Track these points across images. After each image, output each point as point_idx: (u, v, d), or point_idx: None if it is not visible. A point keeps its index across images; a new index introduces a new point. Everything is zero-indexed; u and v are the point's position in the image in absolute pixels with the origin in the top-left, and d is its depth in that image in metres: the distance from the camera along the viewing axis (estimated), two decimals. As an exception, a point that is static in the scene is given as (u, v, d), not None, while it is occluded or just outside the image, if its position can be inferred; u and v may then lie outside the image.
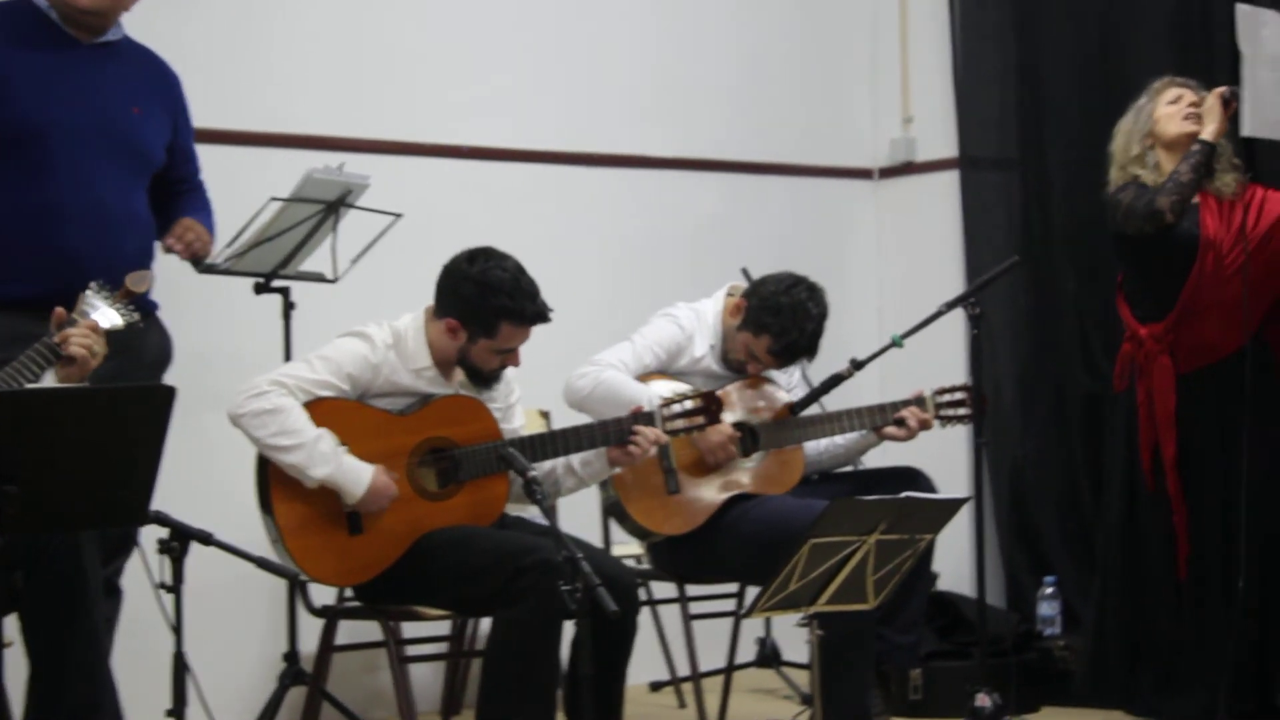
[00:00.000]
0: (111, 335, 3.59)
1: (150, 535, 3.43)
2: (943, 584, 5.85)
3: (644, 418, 4.31)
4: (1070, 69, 6.26)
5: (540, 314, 4.18)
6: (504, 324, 4.16)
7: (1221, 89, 4.58)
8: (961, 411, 4.85)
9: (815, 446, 4.90)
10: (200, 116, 4.60)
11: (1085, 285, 6.16)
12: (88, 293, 3.62)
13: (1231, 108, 4.59)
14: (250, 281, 4.82)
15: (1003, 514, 6.29)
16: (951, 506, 3.84)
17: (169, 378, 4.37)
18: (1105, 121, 5.15)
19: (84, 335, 3.49)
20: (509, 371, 4.33)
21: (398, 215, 4.82)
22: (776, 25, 6.67)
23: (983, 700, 4.68)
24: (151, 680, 3.81)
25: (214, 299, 5.03)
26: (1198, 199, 4.69)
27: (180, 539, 3.36)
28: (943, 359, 5.75)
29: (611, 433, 4.26)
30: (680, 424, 4.36)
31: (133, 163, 4.26)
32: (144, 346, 4.24)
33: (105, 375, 3.62)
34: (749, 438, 4.77)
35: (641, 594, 4.31)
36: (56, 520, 3.23)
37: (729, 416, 4.66)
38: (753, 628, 5.77)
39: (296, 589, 4.70)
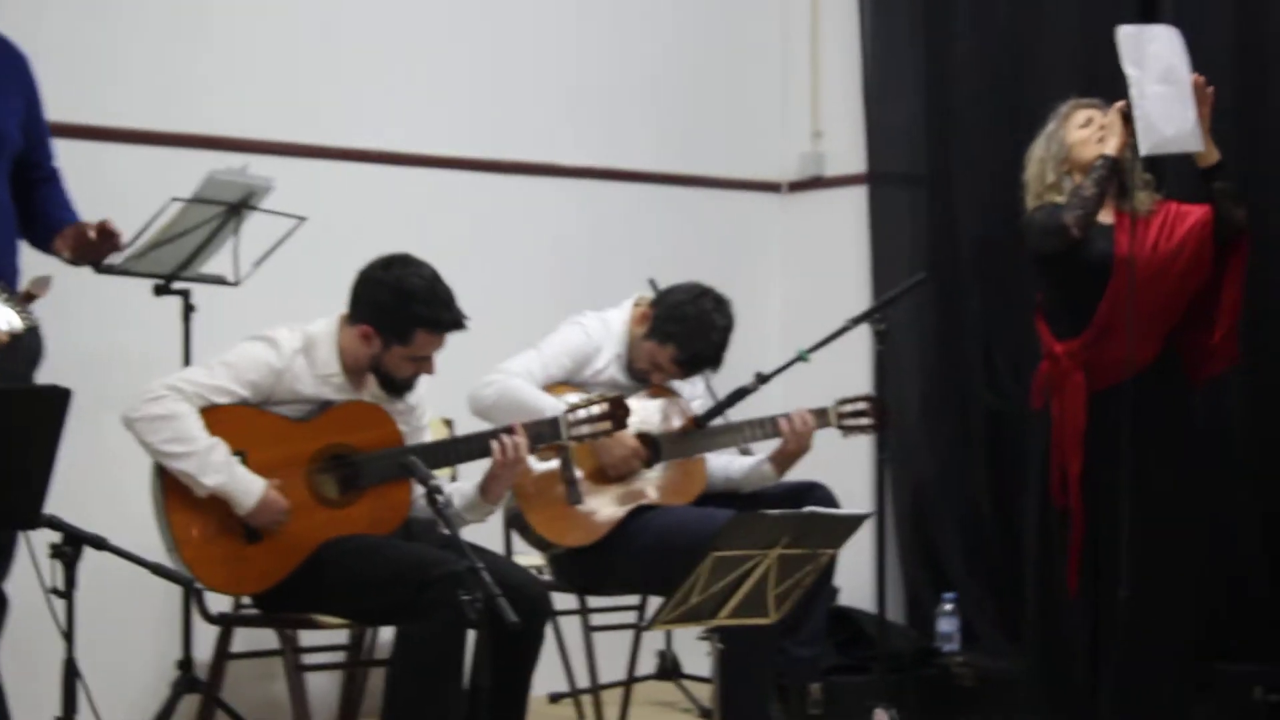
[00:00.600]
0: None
1: (42, 540, 3.39)
2: (844, 598, 5.87)
3: (546, 425, 4.31)
4: (979, 84, 6.28)
5: (456, 322, 4.17)
6: (419, 332, 4.15)
7: (1120, 103, 4.63)
8: (864, 422, 4.88)
9: (711, 479, 4.91)
10: (101, 115, 4.55)
11: (991, 303, 6.20)
12: None
13: (1130, 124, 4.63)
14: (150, 283, 4.77)
15: (904, 530, 6.33)
16: (854, 522, 3.86)
17: (66, 377, 4.28)
18: (1014, 138, 5.16)
19: None
20: (422, 391, 4.32)
21: (301, 219, 4.80)
22: (687, 36, 6.69)
23: (881, 716, 4.70)
24: (42, 687, 3.76)
25: (113, 299, 4.98)
26: (1112, 219, 4.74)
27: (73, 543, 3.32)
28: (848, 374, 5.76)
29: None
30: (586, 429, 4.36)
31: None
32: (18, 343, 4.17)
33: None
34: (651, 448, 4.78)
35: (543, 605, 4.31)
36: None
37: (632, 426, 4.66)
38: (653, 640, 5.77)
39: (191, 596, 4.66)
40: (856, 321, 4.85)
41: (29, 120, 4.24)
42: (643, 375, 4.82)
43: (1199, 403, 4.93)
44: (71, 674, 3.32)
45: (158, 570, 3.50)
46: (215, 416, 4.05)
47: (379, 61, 5.86)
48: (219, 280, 4.82)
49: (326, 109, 5.71)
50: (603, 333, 4.84)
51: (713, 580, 3.67)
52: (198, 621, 4.57)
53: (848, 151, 6.70)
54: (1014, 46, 6.19)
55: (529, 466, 4.56)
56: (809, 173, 6.85)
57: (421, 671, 3.88)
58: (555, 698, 5.76)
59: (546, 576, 4.96)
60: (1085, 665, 4.78)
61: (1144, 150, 4.51)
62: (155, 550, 3.88)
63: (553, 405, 4.50)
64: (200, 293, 4.86)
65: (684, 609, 3.67)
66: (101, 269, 4.47)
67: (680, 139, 6.64)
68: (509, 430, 4.25)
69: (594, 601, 5.04)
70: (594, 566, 4.72)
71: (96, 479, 4.74)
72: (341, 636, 5.00)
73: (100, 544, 3.35)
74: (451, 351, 4.37)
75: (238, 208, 4.67)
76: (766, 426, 4.83)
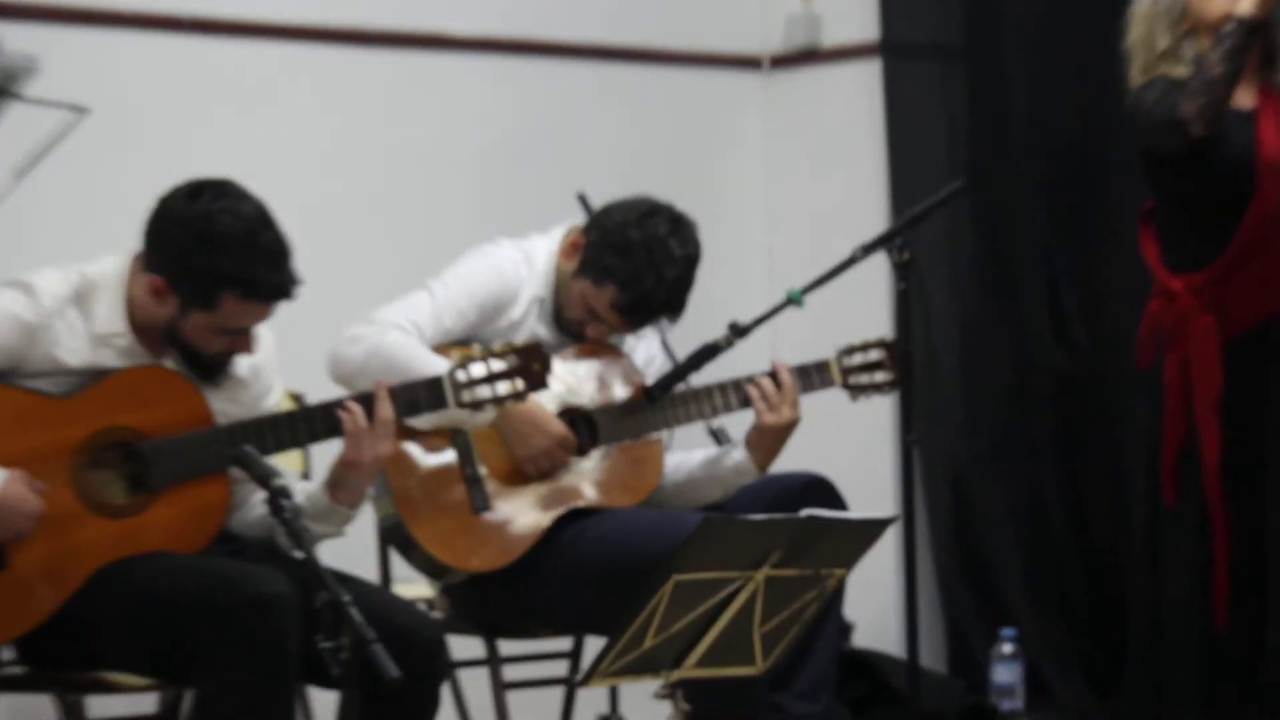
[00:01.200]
0: None
1: None
2: (859, 638, 5.91)
3: (423, 387, 4.26)
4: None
5: (280, 287, 4.15)
6: (226, 295, 4.12)
7: None
8: (879, 378, 4.90)
9: (667, 478, 4.91)
10: None
11: (1058, 221, 6.27)
12: None
13: None
14: None
15: (942, 541, 6.37)
16: (871, 530, 3.85)
17: None
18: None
19: None
20: (261, 356, 4.30)
21: (82, 110, 4.72)
22: None
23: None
24: None
25: None
26: (1255, 102, 4.74)
27: None
28: (859, 323, 5.75)
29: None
30: (484, 393, 4.31)
31: None
32: None
33: None
34: (586, 430, 4.77)
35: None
36: None
37: (556, 396, 4.67)
38: (592, 700, 5.74)
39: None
40: (869, 249, 4.81)
41: None
42: (576, 328, 4.81)
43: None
44: None
45: None
46: None
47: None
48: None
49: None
50: (522, 269, 4.83)
51: (675, 614, 3.64)
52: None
53: (853, 12, 6.74)
54: None
55: (407, 456, 4.56)
56: (799, 42, 6.88)
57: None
58: (456, 782, 5.74)
59: (440, 614, 4.96)
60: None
61: None
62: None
63: (443, 366, 4.46)
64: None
65: (634, 655, 3.66)
66: None
67: (624, 2, 6.68)
68: (365, 397, 4.20)
69: (507, 647, 5.02)
70: (508, 598, 4.72)
71: None
72: (148, 704, 4.94)
73: None
74: (302, 303, 4.31)
75: (-15, 95, 4.60)
76: (733, 394, 4.82)
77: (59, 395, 4.11)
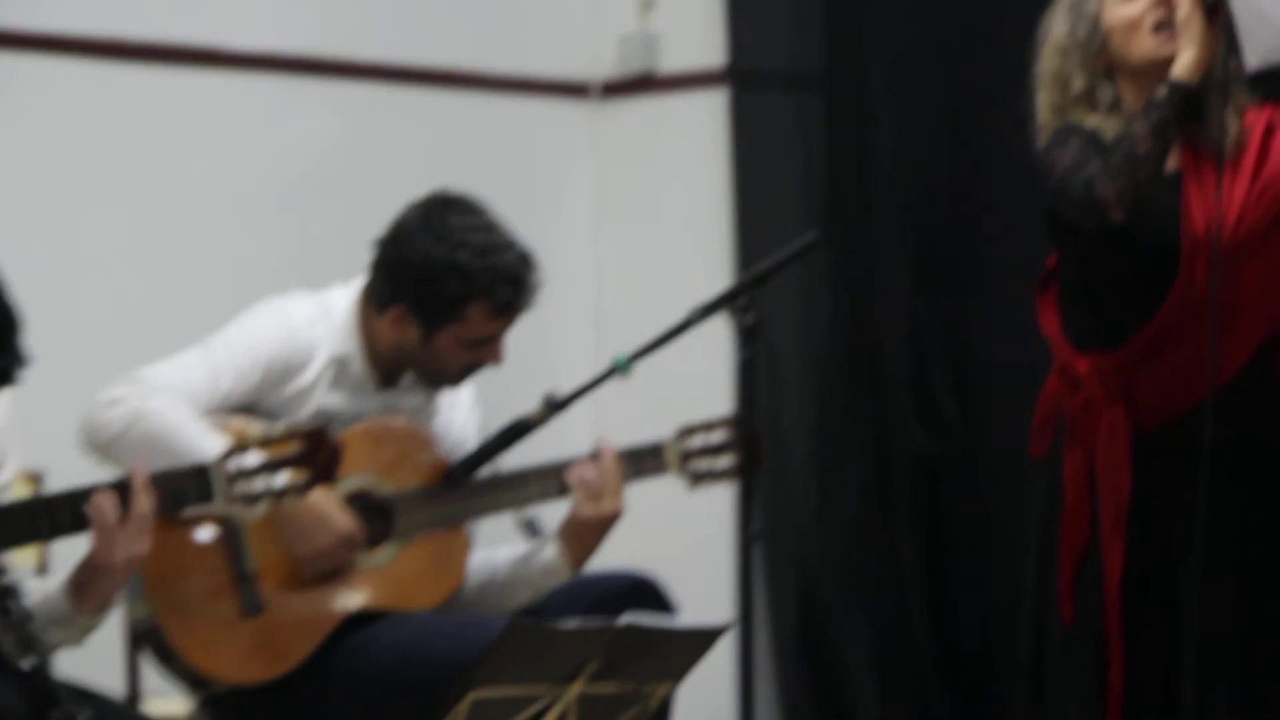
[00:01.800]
0: None
1: None
2: None
3: (190, 475, 4.18)
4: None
5: None
6: None
7: None
8: (723, 464, 4.93)
9: (469, 579, 4.92)
10: None
11: (925, 278, 6.30)
12: None
13: (1221, 16, 4.48)
14: None
15: (786, 654, 6.40)
16: (702, 639, 3.90)
17: None
18: (980, 9, 5.24)
19: None
20: None
21: None
22: None
23: None
24: None
25: None
26: (1179, 162, 4.64)
27: None
28: (696, 396, 5.81)
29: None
30: (258, 486, 4.28)
31: None
32: None
33: None
34: (379, 519, 4.78)
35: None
36: None
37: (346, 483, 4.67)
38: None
39: None
40: (709, 310, 4.81)
41: None
42: (454, 379, 4.85)
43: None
44: None
45: None
46: None
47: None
48: None
49: None
50: (318, 327, 4.82)
51: (473, 737, 3.67)
52: None
53: (696, 33, 6.80)
54: None
55: (167, 541, 4.49)
56: (634, 67, 6.95)
57: None
58: None
59: (200, 733, 4.96)
60: None
61: (1252, 61, 4.45)
62: None
63: (214, 446, 4.44)
64: None
65: (427, 785, 3.67)
66: None
67: (428, 18, 6.71)
68: (120, 485, 4.16)
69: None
70: (281, 715, 4.71)
71: None
72: None
73: None
74: (46, 365, 4.27)
75: None
76: (551, 479, 4.84)
77: None
